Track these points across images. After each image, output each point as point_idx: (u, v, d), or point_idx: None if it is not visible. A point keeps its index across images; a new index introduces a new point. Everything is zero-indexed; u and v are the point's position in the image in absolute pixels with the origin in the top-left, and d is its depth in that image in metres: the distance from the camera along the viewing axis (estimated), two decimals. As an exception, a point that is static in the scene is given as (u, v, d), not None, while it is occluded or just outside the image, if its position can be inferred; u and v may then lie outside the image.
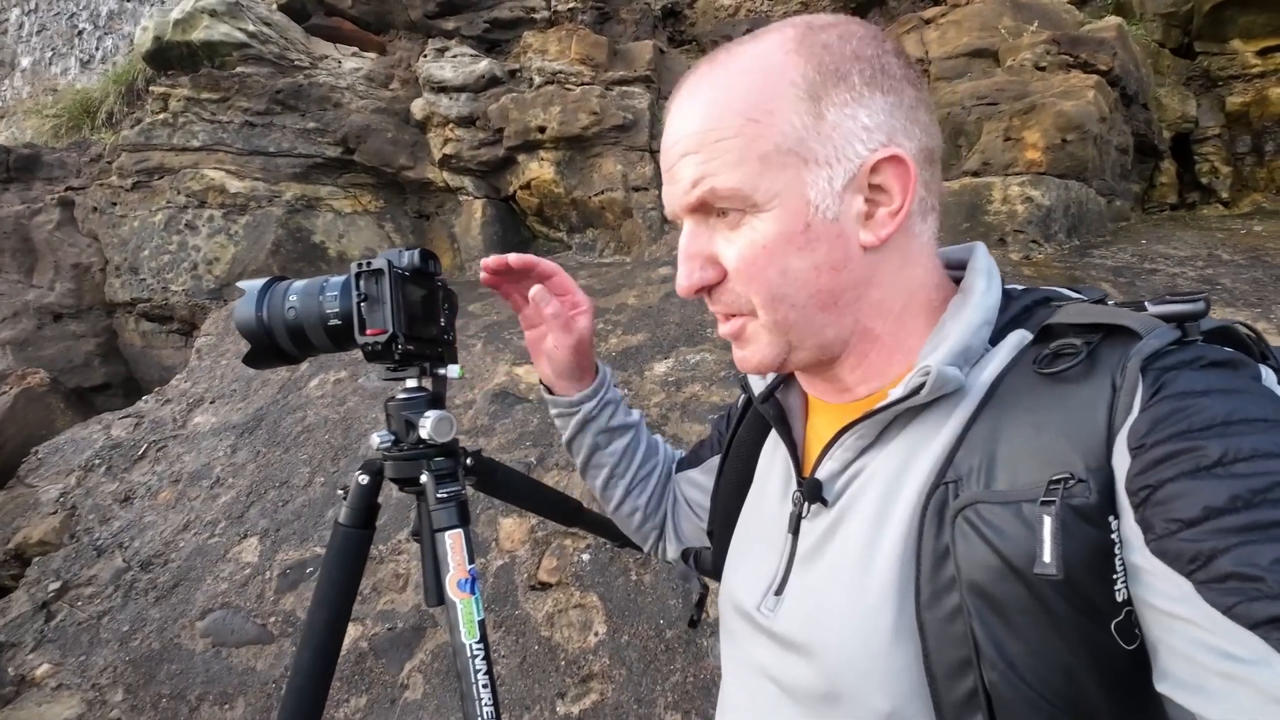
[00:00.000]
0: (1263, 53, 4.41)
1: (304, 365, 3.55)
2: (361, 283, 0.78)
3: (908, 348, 0.57)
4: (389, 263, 0.78)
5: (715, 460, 0.85)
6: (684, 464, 0.91)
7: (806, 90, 0.51)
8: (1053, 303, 0.55)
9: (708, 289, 0.57)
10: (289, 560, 2.51)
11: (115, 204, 4.50)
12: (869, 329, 0.56)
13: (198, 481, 2.99)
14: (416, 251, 0.81)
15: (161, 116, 4.50)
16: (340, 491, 0.84)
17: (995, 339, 0.54)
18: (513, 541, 2.34)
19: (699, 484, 0.87)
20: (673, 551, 0.94)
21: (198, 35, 4.38)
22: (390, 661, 2.14)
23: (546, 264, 0.81)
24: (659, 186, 4.33)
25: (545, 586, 2.22)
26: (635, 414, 0.91)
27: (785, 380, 0.69)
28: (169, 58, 4.52)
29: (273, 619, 2.35)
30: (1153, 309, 0.48)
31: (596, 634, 2.06)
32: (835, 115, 0.51)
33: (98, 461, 3.23)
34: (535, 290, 0.77)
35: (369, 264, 0.78)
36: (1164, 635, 0.40)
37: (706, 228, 0.56)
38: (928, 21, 4.36)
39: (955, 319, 0.54)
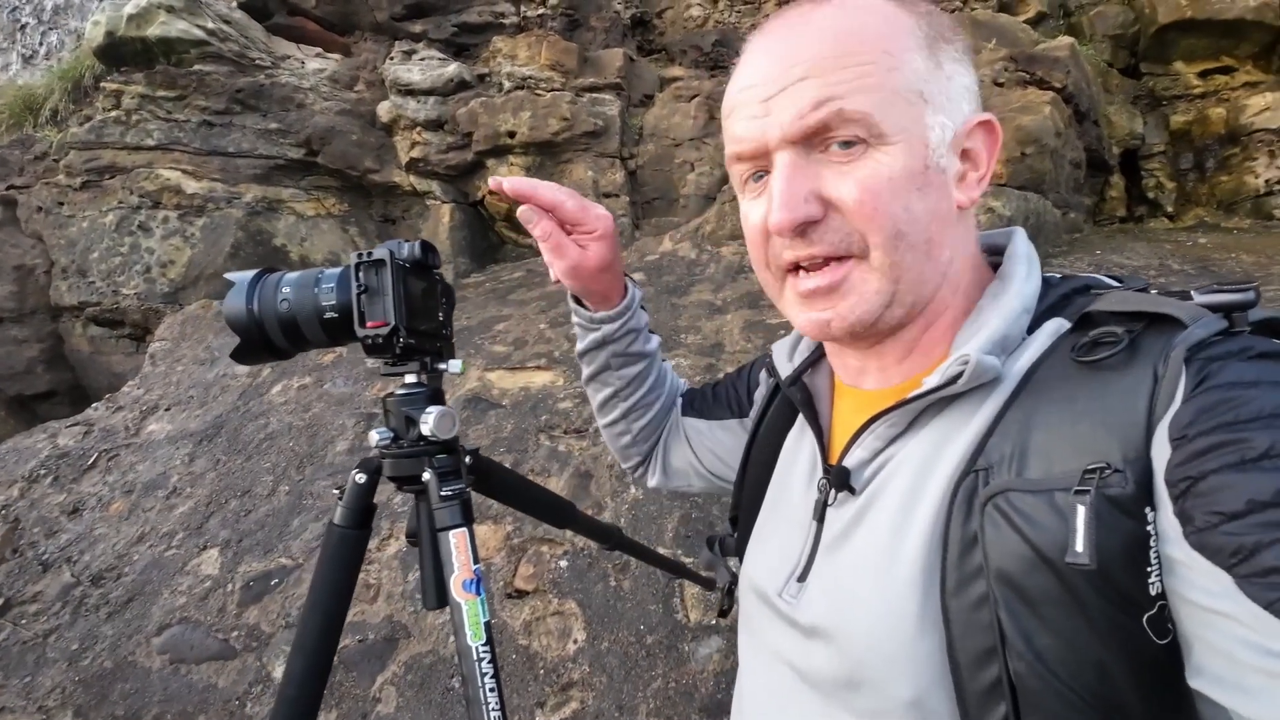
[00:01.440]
0: (1203, 74, 4.64)
1: (265, 371, 3.44)
2: (361, 273, 0.75)
3: (947, 326, 0.56)
4: (391, 253, 0.75)
5: (731, 421, 0.84)
6: (690, 408, 0.90)
7: (926, 39, 0.53)
8: (1093, 290, 0.54)
9: (810, 224, 0.52)
10: (252, 572, 2.42)
11: (62, 204, 4.31)
12: (943, 297, 0.55)
13: (153, 492, 2.87)
14: (418, 243, 0.79)
15: (113, 114, 4.34)
16: (335, 491, 0.81)
17: (1032, 327, 0.53)
18: (488, 549, 2.30)
19: (704, 432, 0.87)
20: (653, 480, 0.94)
21: (153, 31, 4.24)
22: (361, 674, 2.07)
23: (546, 195, 0.74)
24: (630, 193, 4.34)
25: (522, 594, 2.18)
26: (654, 341, 0.89)
27: (814, 363, 0.68)
28: (122, 54, 4.37)
29: (235, 633, 2.25)
30: (1199, 298, 0.47)
31: (576, 641, 2.03)
32: (950, 68, 0.53)
33: (43, 472, 3.07)
34: (520, 210, 0.74)
35: (370, 254, 0.75)
36: (1200, 630, 0.39)
37: (810, 162, 0.52)
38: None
39: (994, 306, 0.54)
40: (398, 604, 2.22)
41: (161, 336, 3.91)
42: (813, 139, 0.51)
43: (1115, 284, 0.55)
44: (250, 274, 0.81)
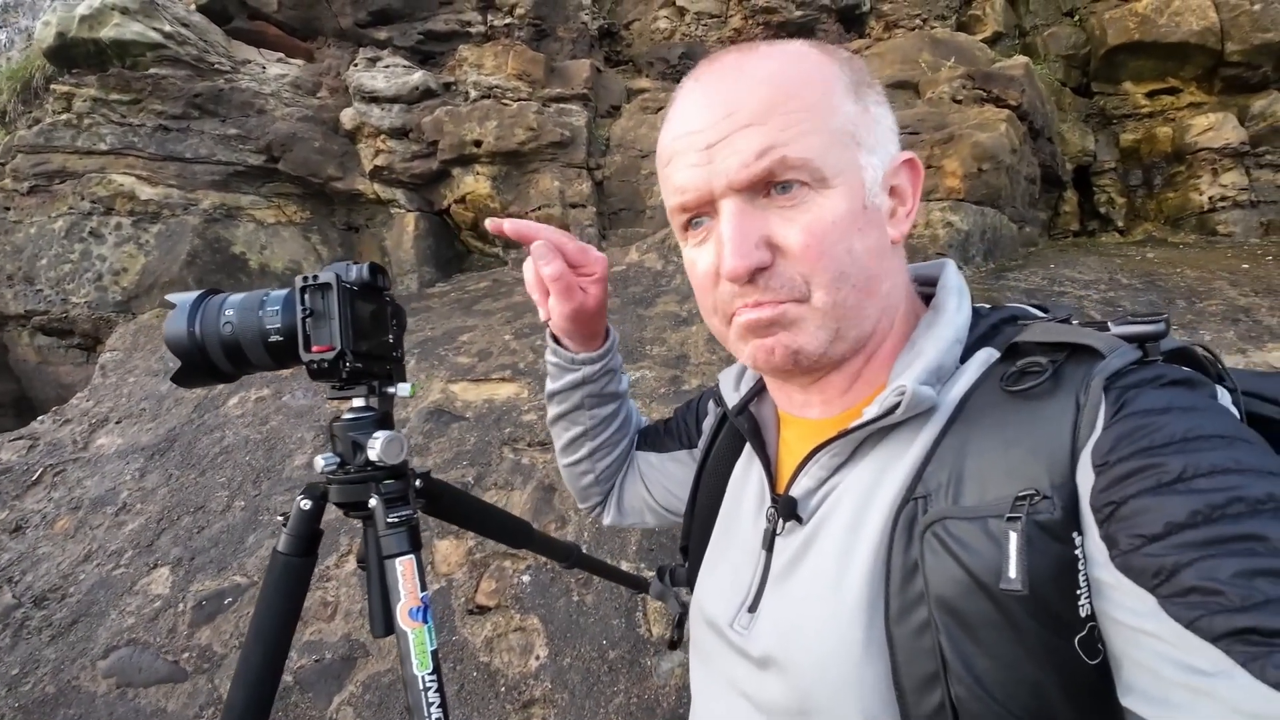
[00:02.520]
0: (1151, 95, 4.82)
1: (222, 383, 3.36)
2: (307, 297, 0.74)
3: (884, 357, 0.58)
4: (337, 276, 0.74)
5: (680, 453, 0.85)
6: (644, 442, 0.90)
7: (852, 84, 0.54)
8: (1019, 321, 0.56)
9: (760, 270, 0.53)
10: (205, 591, 2.35)
11: (8, 209, 4.17)
12: (882, 329, 0.57)
13: (101, 508, 2.77)
14: (365, 265, 0.78)
15: (64, 117, 4.21)
16: (280, 518, 0.79)
17: (965, 356, 0.55)
18: (449, 564, 2.27)
19: (655, 465, 0.88)
20: (608, 518, 0.93)
21: (107, 33, 4.13)
22: (318, 695, 2.03)
23: (550, 236, 0.72)
24: (596, 203, 4.34)
25: (484, 610, 2.15)
26: (625, 382, 0.89)
27: (759, 393, 0.69)
28: (74, 55, 4.24)
29: (186, 655, 2.19)
30: (1115, 329, 0.49)
31: (538, 657, 2.01)
32: (875, 110, 0.55)
33: (-16, 488, 2.95)
34: (536, 246, 0.71)
35: (315, 278, 0.74)
36: (1128, 649, 0.41)
37: (756, 208, 0.53)
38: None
39: (928, 336, 0.55)
40: (356, 622, 2.18)
41: (113, 347, 3.79)
42: (756, 185, 0.52)
43: (1041, 314, 0.58)
44: (192, 295, 0.79)
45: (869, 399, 0.56)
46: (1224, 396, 0.47)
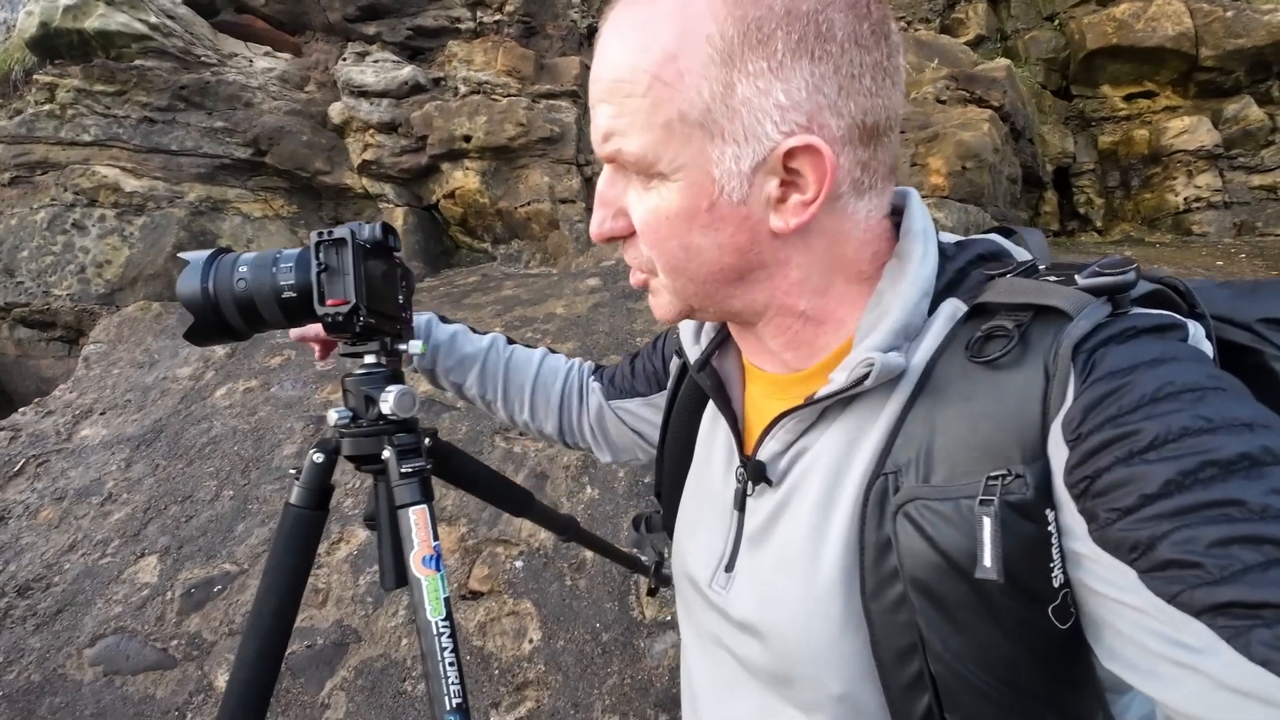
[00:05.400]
0: (1128, 98, 4.93)
1: (209, 374, 3.34)
2: (322, 252, 0.75)
3: (839, 318, 0.54)
4: (351, 233, 0.76)
5: (654, 396, 0.84)
6: (613, 387, 0.91)
7: (722, 52, 0.45)
8: (987, 261, 0.54)
9: (620, 239, 0.54)
10: (194, 579, 2.34)
11: (-11, 200, 4.11)
12: (786, 304, 0.54)
13: (86, 498, 2.74)
14: (378, 224, 0.80)
15: (47, 108, 4.16)
16: (292, 472, 0.80)
17: (934, 305, 0.52)
18: (442, 550, 2.27)
19: (633, 411, 0.88)
20: (605, 457, 0.95)
21: (91, 24, 4.09)
22: (309, 681, 2.02)
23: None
24: (586, 199, 4.37)
25: (477, 595, 2.16)
26: (483, 341, 0.97)
27: (720, 346, 0.66)
28: (57, 46, 4.19)
29: (175, 642, 2.17)
30: (1082, 281, 0.46)
31: (531, 641, 2.03)
32: (746, 89, 0.46)
33: (-36, 480, 2.91)
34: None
35: (331, 233, 0.76)
36: (1110, 619, 0.41)
37: (623, 176, 0.52)
38: None
39: (893, 292, 0.51)
40: (348, 608, 2.18)
41: (96, 339, 3.75)
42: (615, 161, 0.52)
43: (1009, 248, 0.55)
44: (206, 253, 0.80)
45: (836, 354, 0.54)
46: (1196, 334, 0.45)
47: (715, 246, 0.50)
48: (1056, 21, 5.15)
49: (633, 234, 0.53)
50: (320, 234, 0.76)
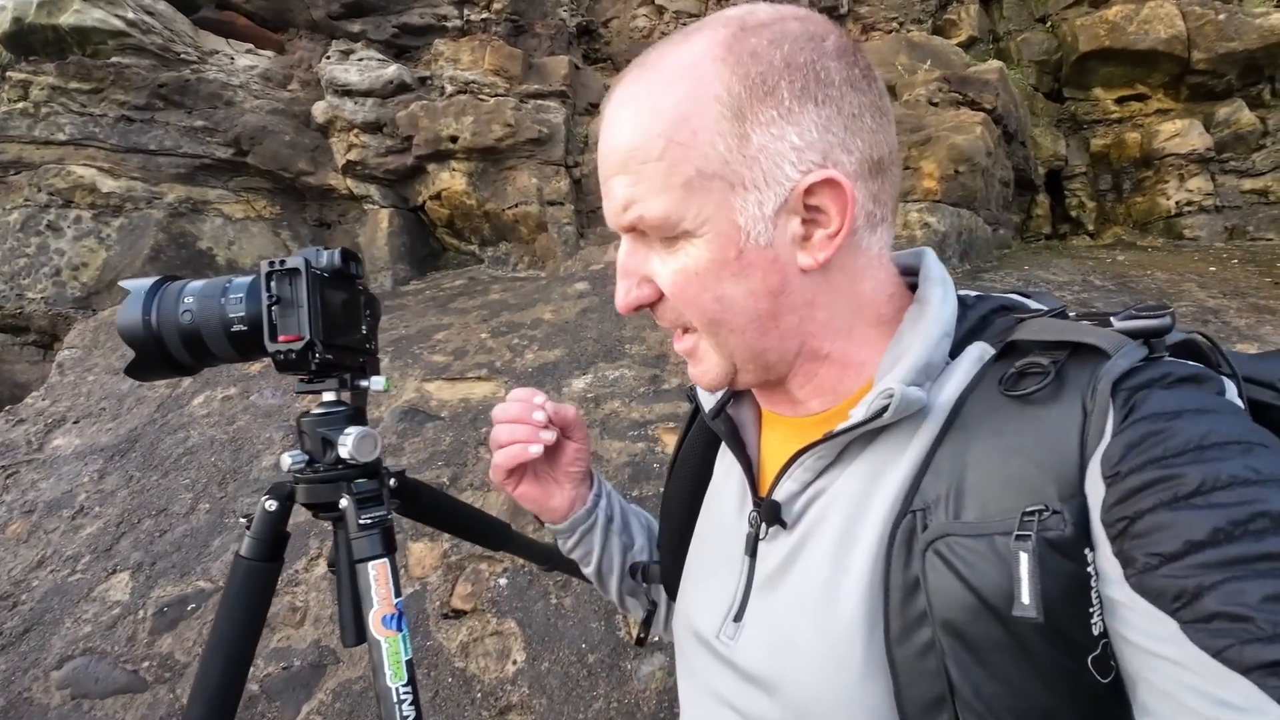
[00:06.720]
0: (1120, 101, 4.91)
1: (186, 381, 3.25)
2: (273, 283, 0.69)
3: (860, 361, 0.55)
4: (306, 261, 0.70)
5: None
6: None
7: (732, 108, 0.48)
8: (1010, 311, 0.54)
9: (649, 306, 0.55)
10: (167, 597, 2.27)
11: (-40, 200, 4.00)
12: (815, 349, 0.54)
13: (56, 511, 2.66)
14: (337, 251, 0.73)
15: (20, 105, 4.05)
16: (243, 520, 0.74)
17: (955, 351, 0.52)
18: (424, 567, 2.21)
19: None
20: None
21: (66, 20, 3.98)
22: (285, 704, 1.96)
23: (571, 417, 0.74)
24: (574, 201, 4.30)
25: (459, 614, 2.10)
26: (625, 518, 0.81)
27: (736, 394, 0.66)
28: (30, 42, 4.08)
29: (146, 664, 2.10)
30: (1119, 324, 0.46)
31: (515, 662, 1.97)
32: (761, 137, 0.48)
33: (-70, 491, 2.82)
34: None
35: (282, 262, 0.70)
36: (1147, 673, 0.39)
37: (643, 245, 0.54)
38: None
39: (914, 331, 0.52)
40: (326, 628, 2.11)
41: (71, 344, 3.66)
42: (633, 230, 0.53)
43: (1029, 303, 0.55)
44: (148, 282, 0.74)
45: (853, 396, 0.54)
46: (1230, 390, 0.45)
47: (748, 294, 0.51)
48: (1049, 23, 5.12)
49: (660, 298, 0.54)
50: (271, 263, 0.70)
